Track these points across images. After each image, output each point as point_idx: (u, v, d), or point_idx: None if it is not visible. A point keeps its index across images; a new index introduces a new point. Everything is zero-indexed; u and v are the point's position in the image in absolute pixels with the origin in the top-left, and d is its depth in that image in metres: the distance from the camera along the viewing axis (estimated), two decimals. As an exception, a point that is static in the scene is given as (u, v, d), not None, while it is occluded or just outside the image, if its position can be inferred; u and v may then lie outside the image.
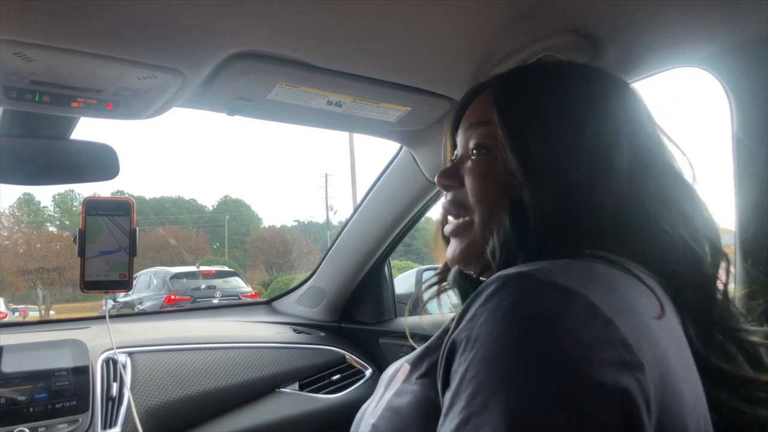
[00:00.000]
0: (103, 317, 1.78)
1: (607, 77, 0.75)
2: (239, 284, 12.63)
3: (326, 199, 31.63)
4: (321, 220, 37.89)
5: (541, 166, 0.67)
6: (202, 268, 13.08)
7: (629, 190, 0.66)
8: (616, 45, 1.00)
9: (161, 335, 1.65)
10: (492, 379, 0.49)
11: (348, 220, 1.95)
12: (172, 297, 10.44)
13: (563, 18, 0.95)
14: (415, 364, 0.71)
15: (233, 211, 38.32)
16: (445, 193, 0.82)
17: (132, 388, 1.39)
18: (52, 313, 20.06)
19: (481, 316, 0.53)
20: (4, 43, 0.82)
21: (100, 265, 1.16)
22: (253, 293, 12.88)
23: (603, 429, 0.45)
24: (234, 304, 2.47)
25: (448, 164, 0.82)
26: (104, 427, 1.32)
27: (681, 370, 0.55)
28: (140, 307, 11.11)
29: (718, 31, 0.95)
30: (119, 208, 1.19)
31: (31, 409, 1.27)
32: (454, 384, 0.52)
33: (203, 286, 11.66)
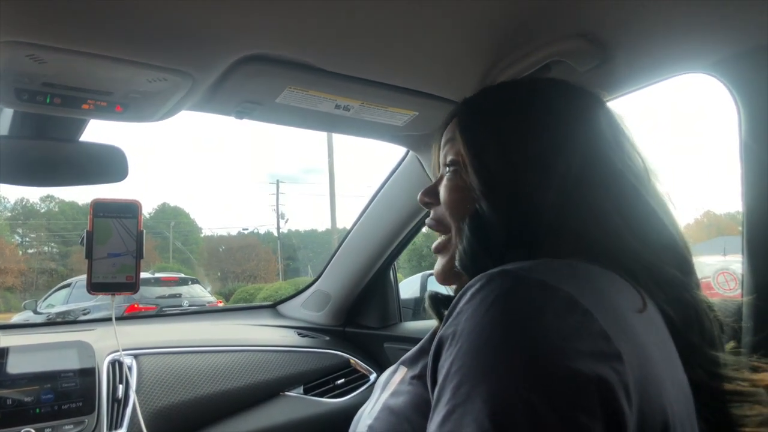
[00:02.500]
0: (108, 319, 1.79)
1: (567, 90, 0.78)
2: (202, 292, 11.83)
3: (277, 207, 31.12)
4: (263, 230, 36.88)
5: (496, 177, 0.71)
6: (160, 274, 12.09)
7: (583, 198, 0.68)
8: (624, 50, 1.00)
9: (167, 338, 1.65)
10: (474, 371, 0.51)
11: (353, 224, 1.95)
12: (136, 306, 9.51)
13: (571, 23, 0.95)
14: (410, 365, 0.74)
15: (172, 219, 37.47)
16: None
17: (137, 390, 1.40)
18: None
19: (466, 312, 0.55)
20: (17, 44, 0.83)
21: (107, 267, 1.17)
22: (218, 302, 12.11)
23: (582, 417, 0.46)
24: (239, 308, 2.48)
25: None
26: (110, 428, 1.33)
27: (662, 361, 0.57)
28: (84, 318, 9.29)
29: (725, 37, 0.95)
30: (127, 210, 1.19)
31: (37, 410, 1.27)
32: (440, 378, 0.54)
33: (167, 294, 10.75)
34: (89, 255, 1.15)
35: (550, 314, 0.51)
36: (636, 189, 0.70)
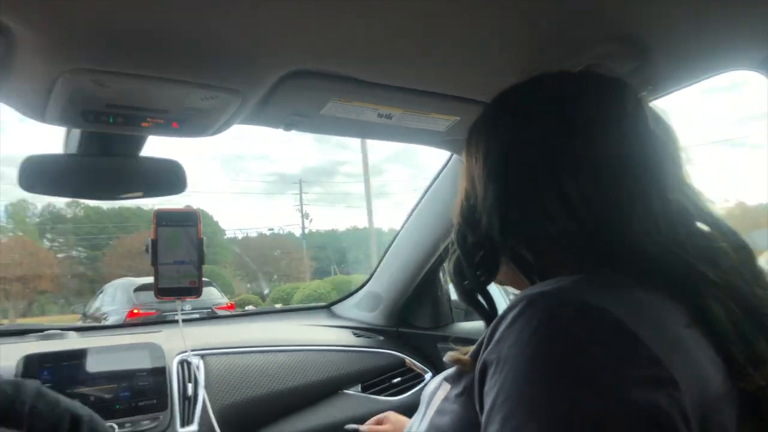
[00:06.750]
0: (174, 321, 1.89)
1: (551, 87, 0.78)
2: (214, 295, 11.33)
3: (301, 206, 30.95)
4: (286, 230, 35.52)
5: (484, 201, 0.74)
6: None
7: (594, 197, 0.64)
8: (665, 51, 0.98)
9: (230, 339, 1.72)
10: (522, 406, 0.50)
11: (402, 226, 1.98)
12: (135, 311, 9.29)
13: (609, 25, 0.94)
14: (453, 382, 0.73)
15: (197, 221, 36.33)
16: None
17: (206, 388, 1.47)
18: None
19: (508, 338, 0.54)
20: (84, 72, 0.89)
21: (171, 273, 1.25)
22: (230, 305, 11.67)
23: None
24: (296, 308, 2.54)
25: None
26: (183, 424, 1.41)
27: (716, 375, 0.53)
28: (105, 322, 9.34)
29: None
30: (187, 219, 1.27)
31: (117, 406, 1.36)
32: (487, 406, 0.53)
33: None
34: (155, 262, 1.24)
35: (596, 342, 0.49)
36: (667, 187, 0.65)
